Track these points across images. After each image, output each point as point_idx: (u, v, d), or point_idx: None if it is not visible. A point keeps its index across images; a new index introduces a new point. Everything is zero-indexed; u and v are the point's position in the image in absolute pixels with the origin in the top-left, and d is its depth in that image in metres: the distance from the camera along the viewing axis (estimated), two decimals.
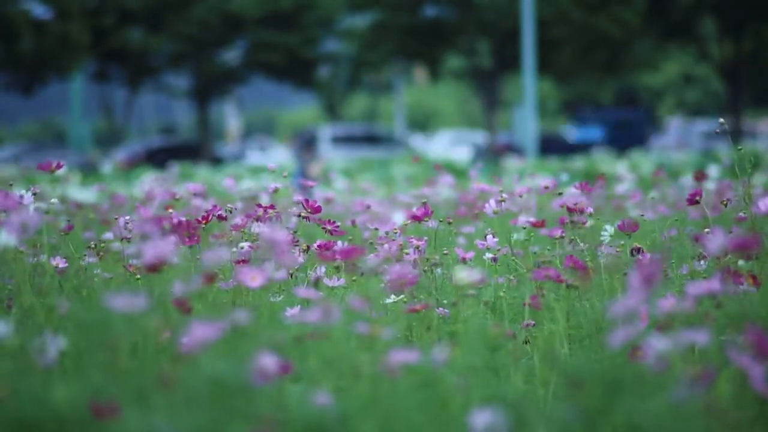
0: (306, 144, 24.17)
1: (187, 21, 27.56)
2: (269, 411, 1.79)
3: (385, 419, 1.86)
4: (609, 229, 3.08)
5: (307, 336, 2.11)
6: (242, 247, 2.90)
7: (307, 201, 3.05)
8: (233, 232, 3.06)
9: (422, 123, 59.42)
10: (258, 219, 3.05)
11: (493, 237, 3.13)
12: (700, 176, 3.49)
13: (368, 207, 4.48)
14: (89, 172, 18.40)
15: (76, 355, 2.15)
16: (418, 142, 39.00)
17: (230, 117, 50.83)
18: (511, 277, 3.16)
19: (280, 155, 32.69)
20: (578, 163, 17.78)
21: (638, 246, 2.97)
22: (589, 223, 3.18)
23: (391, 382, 1.95)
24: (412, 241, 3.03)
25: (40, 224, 2.22)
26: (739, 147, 3.24)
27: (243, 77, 30.52)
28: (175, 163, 14.35)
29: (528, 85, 22.96)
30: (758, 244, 2.08)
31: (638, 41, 27.90)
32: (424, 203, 3.07)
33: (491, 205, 3.26)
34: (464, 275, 2.44)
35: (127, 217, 3.14)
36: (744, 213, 3.18)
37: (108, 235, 3.67)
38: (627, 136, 32.92)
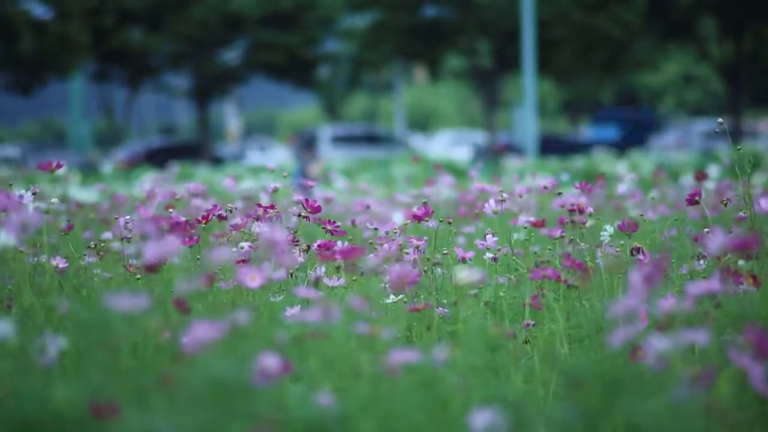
0: (306, 144, 24.16)
1: (187, 21, 27.55)
2: (269, 411, 1.79)
3: (385, 419, 1.86)
4: (609, 229, 3.08)
5: (307, 336, 2.11)
6: (242, 247, 2.90)
7: (307, 201, 3.05)
8: (233, 232, 3.06)
9: (422, 123, 59.43)
10: (258, 219, 3.05)
11: (493, 237, 3.13)
12: (701, 176, 3.49)
13: (368, 207, 4.48)
14: (89, 172, 18.40)
15: (76, 355, 2.15)
16: (418, 142, 38.99)
17: (230, 117, 50.83)
18: (512, 277, 3.16)
19: (280, 155, 32.69)
20: (578, 163, 17.78)
21: (638, 246, 2.97)
22: (589, 223, 3.18)
23: (391, 382, 1.95)
24: (412, 241, 3.03)
25: (40, 224, 2.22)
26: (739, 147, 3.24)
27: (243, 77, 30.52)
28: (175, 163, 14.36)
29: (528, 85, 22.96)
30: (758, 244, 2.08)
31: (638, 41, 27.90)
32: (425, 203, 3.07)
33: (491, 205, 3.26)
34: (464, 275, 2.44)
35: (127, 217, 3.14)
36: (744, 213, 3.18)
37: (108, 235, 3.67)
38: (641, 136, 33.05)
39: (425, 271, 2.97)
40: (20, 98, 24.82)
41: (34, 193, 2.83)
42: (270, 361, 1.85)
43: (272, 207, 3.10)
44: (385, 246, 2.84)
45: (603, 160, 17.54)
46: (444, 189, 5.95)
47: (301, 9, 28.63)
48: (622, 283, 2.83)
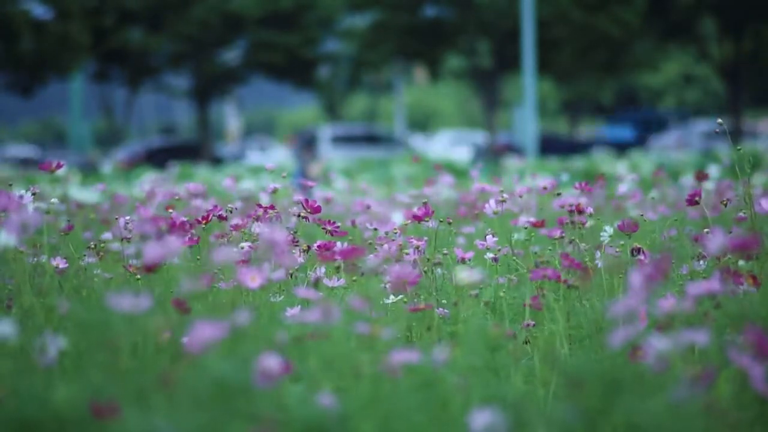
0: (306, 144, 24.17)
1: (187, 21, 27.55)
2: (269, 411, 1.79)
3: (385, 419, 1.86)
4: (608, 230, 3.08)
5: (307, 336, 2.11)
6: (242, 247, 2.90)
7: (306, 201, 3.05)
8: (233, 232, 3.06)
9: (422, 123, 59.43)
10: (257, 219, 3.05)
11: (494, 237, 3.13)
12: (701, 176, 3.49)
13: (368, 207, 4.48)
14: (89, 172, 18.40)
15: (76, 355, 2.15)
16: (418, 142, 38.99)
17: (230, 117, 50.83)
18: (512, 277, 3.16)
19: (280, 155, 32.69)
20: (578, 163, 17.78)
21: (638, 246, 2.97)
22: (589, 223, 3.18)
23: (391, 382, 1.95)
24: (412, 241, 3.03)
25: (40, 224, 2.22)
26: (739, 147, 3.24)
27: (243, 77, 30.52)
28: (175, 163, 14.35)
29: (528, 85, 22.96)
30: (758, 244, 2.08)
31: (638, 41, 27.90)
32: (425, 203, 3.07)
33: (491, 205, 3.26)
34: (465, 275, 2.44)
35: (128, 217, 3.14)
36: (744, 213, 3.18)
37: (108, 235, 3.67)
38: (655, 136, 33.20)
39: (425, 272, 2.97)
40: (20, 98, 24.83)
41: (33, 194, 2.83)
42: (271, 362, 1.85)
43: (272, 207, 3.11)
44: (385, 246, 2.84)
45: (603, 161, 17.54)
46: (444, 189, 5.95)
47: (301, 9, 28.63)
48: (622, 284, 2.83)
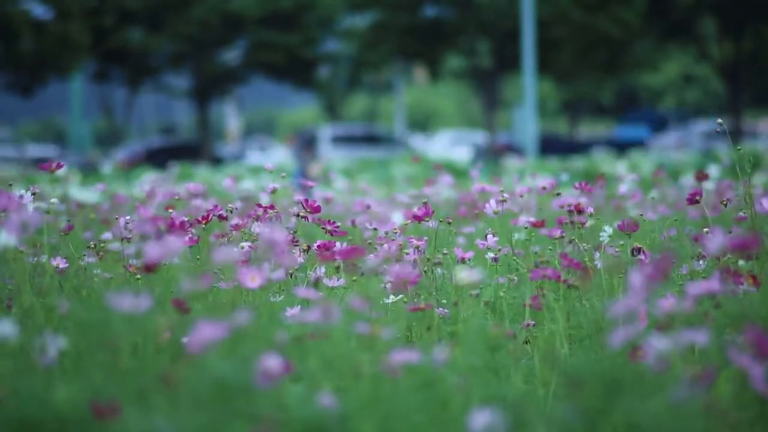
0: (306, 144, 24.17)
1: (187, 21, 27.56)
2: (269, 411, 1.79)
3: (385, 419, 1.86)
4: (608, 230, 3.08)
5: (307, 336, 2.11)
6: (242, 247, 2.91)
7: (306, 201, 3.05)
8: (233, 232, 3.06)
9: (422, 123, 59.42)
10: (257, 219, 3.05)
11: (494, 237, 3.13)
12: (701, 176, 3.49)
13: (368, 207, 4.48)
14: (89, 172, 18.40)
15: (76, 355, 2.15)
16: (418, 142, 39.00)
17: (230, 117, 50.83)
18: (513, 277, 3.16)
19: (280, 155, 32.69)
20: (578, 163, 17.78)
21: (639, 246, 2.97)
22: (589, 223, 3.18)
23: (391, 382, 1.95)
24: (412, 241, 3.03)
25: (40, 224, 2.22)
26: (739, 147, 3.24)
27: (243, 77, 30.52)
28: (175, 163, 14.36)
29: (528, 85, 22.97)
30: (758, 244, 2.08)
31: (638, 41, 27.90)
32: (425, 203, 3.07)
33: (492, 205, 3.26)
34: (464, 275, 2.44)
35: (128, 217, 3.14)
36: (744, 213, 3.18)
37: (108, 235, 3.67)
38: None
39: (425, 272, 2.97)
40: (20, 98, 24.83)
41: (33, 194, 2.83)
42: (272, 362, 1.85)
43: (272, 207, 3.11)
44: (385, 246, 2.84)
45: (603, 161, 17.54)
46: (444, 189, 5.95)
47: (301, 9, 28.63)
48: (622, 284, 2.83)
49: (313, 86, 31.15)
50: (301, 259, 2.94)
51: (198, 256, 3.01)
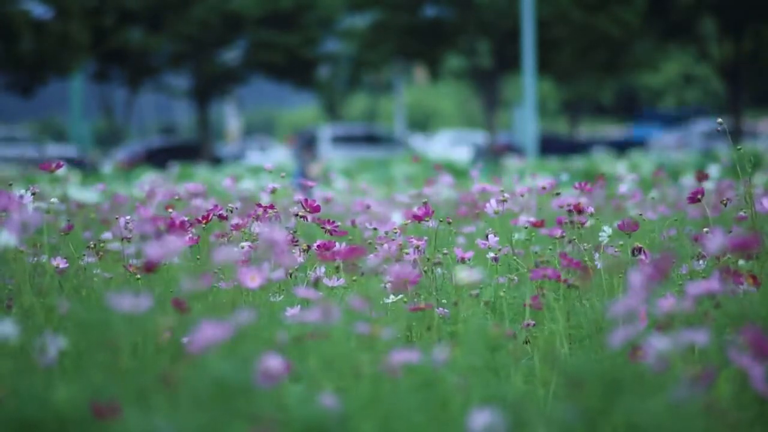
0: (306, 144, 24.17)
1: (187, 21, 27.56)
2: (270, 411, 1.79)
3: (385, 419, 1.86)
4: (607, 230, 3.08)
5: (307, 336, 2.11)
6: (243, 247, 2.91)
7: (306, 200, 3.05)
8: (233, 232, 3.06)
9: (422, 123, 59.42)
10: (257, 219, 3.05)
11: (495, 237, 3.13)
12: (702, 176, 3.49)
13: (368, 207, 4.48)
14: (89, 172, 18.40)
15: (76, 355, 2.15)
16: (418, 142, 39.00)
17: (230, 117, 50.83)
18: (513, 277, 3.16)
19: (279, 155, 32.69)
20: (578, 163, 17.78)
21: (639, 246, 2.97)
22: (589, 223, 3.18)
23: (391, 382, 1.95)
24: (412, 241, 3.03)
25: (40, 224, 2.22)
26: (739, 147, 3.24)
27: (243, 77, 30.52)
28: (175, 163, 14.36)
29: (528, 85, 22.96)
30: (758, 244, 2.08)
31: (638, 41, 27.89)
32: (425, 203, 3.07)
33: (492, 205, 3.26)
34: (464, 275, 2.44)
35: (128, 217, 3.14)
36: (745, 212, 3.18)
37: (108, 235, 3.67)
38: None
39: (425, 272, 2.97)
40: (20, 98, 24.83)
41: (33, 194, 2.83)
42: (273, 362, 1.85)
43: (271, 207, 3.11)
44: (385, 246, 2.84)
45: (603, 161, 17.53)
46: (444, 189, 5.95)
47: (301, 9, 28.63)
48: (622, 284, 2.83)
49: (313, 86, 31.15)
50: (300, 259, 2.94)
51: (198, 256, 3.01)
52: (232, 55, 30.00)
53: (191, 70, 29.69)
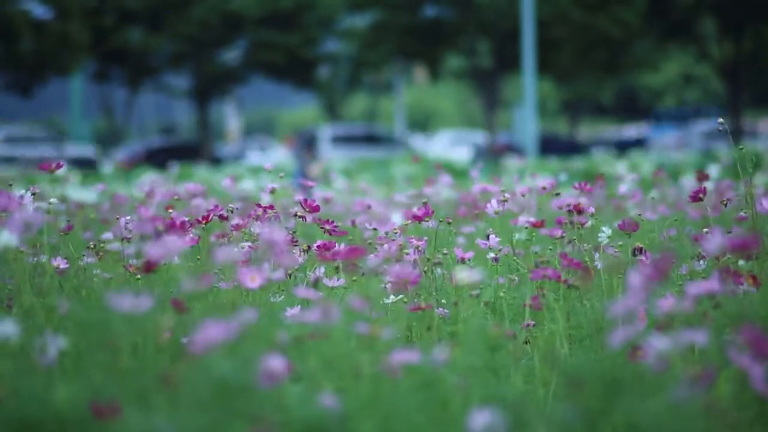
0: (306, 144, 24.16)
1: (187, 21, 27.56)
2: (270, 411, 1.79)
3: (385, 419, 1.86)
4: (606, 231, 3.08)
5: (307, 336, 2.11)
6: (242, 247, 2.91)
7: (305, 200, 3.05)
8: (233, 232, 3.06)
9: (422, 123, 59.43)
10: (257, 219, 3.05)
11: (496, 237, 3.13)
12: (702, 177, 3.49)
13: (369, 207, 4.48)
14: (89, 172, 18.40)
15: (76, 355, 2.15)
16: (418, 142, 38.99)
17: (230, 117, 50.83)
18: (513, 277, 3.16)
19: (279, 155, 32.69)
20: (578, 163, 17.78)
21: (640, 246, 2.97)
22: (589, 223, 3.18)
23: (391, 382, 1.95)
24: (412, 241, 3.03)
25: (41, 224, 2.22)
26: (741, 147, 3.23)
27: (243, 77, 30.52)
28: (175, 163, 14.36)
29: (528, 85, 22.97)
30: (757, 244, 2.08)
31: (638, 41, 27.89)
32: (425, 203, 3.07)
33: (493, 205, 3.26)
34: (464, 275, 2.44)
35: (128, 218, 3.14)
36: (745, 212, 3.18)
37: (108, 235, 3.67)
38: None
39: (425, 272, 2.97)
40: (20, 98, 24.83)
41: (33, 194, 2.83)
42: (275, 362, 1.85)
43: (271, 207, 3.11)
44: (385, 246, 2.84)
45: (603, 161, 17.54)
46: (444, 189, 5.95)
47: (301, 9, 28.64)
48: (621, 284, 2.83)
49: (313, 86, 31.15)
50: (300, 260, 2.94)
51: (198, 256, 3.01)
52: (232, 55, 30.00)
53: (191, 70, 29.70)
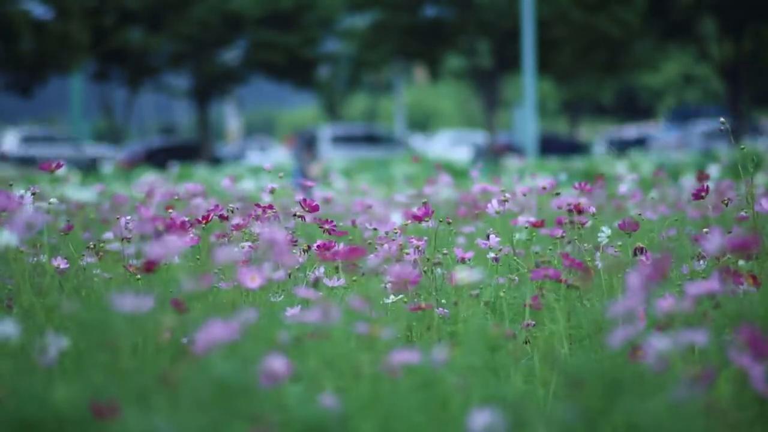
0: (306, 144, 24.16)
1: (187, 21, 27.56)
2: (270, 411, 1.79)
3: (385, 419, 1.86)
4: (606, 231, 3.08)
5: (307, 336, 2.11)
6: (243, 247, 2.91)
7: (304, 200, 3.05)
8: (234, 232, 3.06)
9: (422, 123, 59.42)
10: (257, 218, 3.05)
11: (496, 237, 3.13)
12: (703, 177, 3.49)
13: (370, 207, 4.48)
14: (90, 171, 18.40)
15: (76, 355, 2.15)
16: (418, 142, 38.99)
17: (230, 117, 50.84)
18: (514, 277, 3.16)
19: (279, 155, 32.69)
20: (578, 163, 17.78)
21: (641, 246, 2.97)
22: (590, 223, 3.18)
23: (391, 382, 1.95)
24: (412, 241, 3.03)
25: (43, 224, 2.22)
26: (743, 146, 3.23)
27: (243, 77, 30.52)
28: (175, 163, 14.36)
29: (528, 85, 22.96)
30: (757, 244, 2.08)
31: (638, 41, 27.89)
32: (425, 203, 3.07)
33: (494, 205, 3.26)
34: (464, 275, 2.44)
35: (128, 218, 3.14)
36: (746, 212, 3.17)
37: (108, 235, 3.67)
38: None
39: (425, 272, 2.97)
40: (20, 98, 24.83)
41: (33, 194, 2.83)
42: (276, 363, 1.85)
43: (270, 207, 3.11)
44: (386, 246, 2.84)
45: (603, 161, 17.53)
46: (444, 189, 5.95)
47: (301, 9, 28.63)
48: (622, 284, 2.83)
49: (313, 86, 31.15)
50: (301, 260, 2.94)
51: (198, 256, 3.01)
52: (232, 55, 30.00)
53: (191, 70, 29.70)
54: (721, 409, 1.84)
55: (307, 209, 3.03)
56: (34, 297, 2.51)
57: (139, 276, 2.91)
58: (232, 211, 3.20)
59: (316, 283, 2.69)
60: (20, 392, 1.85)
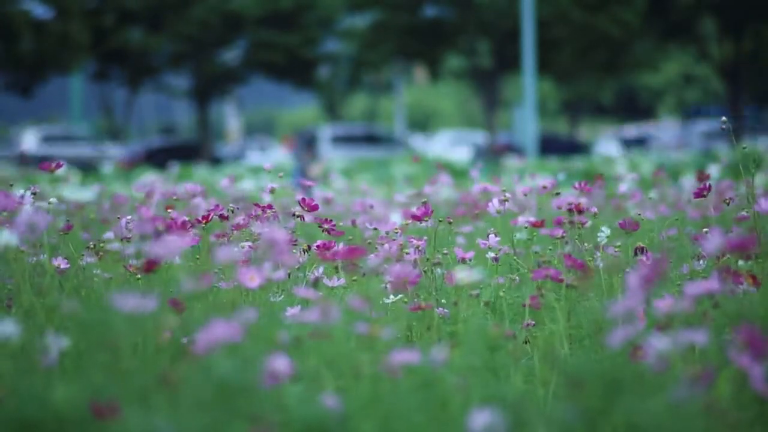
0: (306, 144, 24.16)
1: (187, 21, 27.56)
2: (270, 411, 1.79)
3: (385, 419, 1.86)
4: (606, 231, 3.08)
5: (307, 336, 2.11)
6: (243, 247, 2.91)
7: (304, 200, 3.05)
8: (234, 232, 3.06)
9: (422, 123, 59.42)
10: (256, 218, 3.05)
11: (496, 237, 3.13)
12: (703, 177, 3.49)
13: (371, 207, 4.48)
14: (89, 171, 18.41)
15: (76, 355, 2.15)
16: (418, 142, 38.99)
17: (230, 117, 50.83)
18: (514, 277, 3.16)
19: (279, 155, 32.69)
20: (578, 163, 17.78)
21: (642, 246, 2.97)
22: (589, 222, 3.18)
23: (391, 382, 1.95)
24: (412, 241, 3.03)
25: (46, 225, 2.22)
26: (744, 146, 3.23)
27: (243, 77, 30.52)
28: (175, 163, 14.36)
29: (528, 85, 22.96)
30: (756, 244, 2.08)
31: (638, 41, 27.89)
32: (425, 203, 3.07)
33: (494, 205, 3.26)
34: (464, 275, 2.44)
35: (128, 218, 3.14)
36: (746, 212, 3.17)
37: (108, 235, 3.67)
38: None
39: (425, 272, 2.97)
40: (20, 98, 24.83)
41: (33, 194, 2.83)
42: (278, 363, 1.85)
43: (270, 207, 3.11)
44: (385, 246, 2.84)
45: (603, 161, 17.53)
46: (444, 189, 5.95)
47: (301, 9, 28.63)
48: (621, 283, 2.83)
49: (313, 86, 31.15)
50: (301, 259, 2.94)
51: (198, 256, 3.01)
52: (232, 55, 30.00)
53: (191, 70, 29.69)
54: (721, 409, 1.84)
55: (306, 209, 3.03)
56: (34, 297, 2.51)
57: (139, 276, 2.91)
58: (233, 211, 3.20)
59: (316, 283, 2.69)
60: (20, 392, 1.85)
